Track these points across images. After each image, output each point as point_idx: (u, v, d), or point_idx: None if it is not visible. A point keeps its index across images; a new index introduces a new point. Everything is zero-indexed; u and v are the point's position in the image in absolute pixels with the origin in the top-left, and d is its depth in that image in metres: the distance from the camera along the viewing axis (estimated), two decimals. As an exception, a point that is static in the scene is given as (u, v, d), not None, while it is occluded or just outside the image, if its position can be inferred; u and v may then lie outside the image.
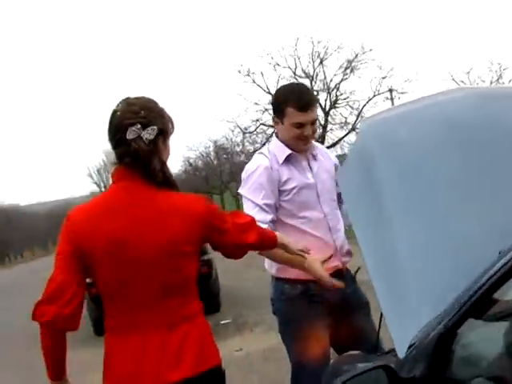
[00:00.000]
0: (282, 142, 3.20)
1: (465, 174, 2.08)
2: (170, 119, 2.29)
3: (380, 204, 2.02)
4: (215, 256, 10.09)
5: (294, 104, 3.10)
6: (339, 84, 27.98)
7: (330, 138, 28.92)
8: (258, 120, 28.96)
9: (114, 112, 2.20)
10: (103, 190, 61.27)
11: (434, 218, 2.00)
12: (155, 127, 2.16)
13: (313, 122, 3.15)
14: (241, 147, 34.46)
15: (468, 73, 29.03)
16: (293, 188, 3.12)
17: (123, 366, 2.18)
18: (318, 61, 27.81)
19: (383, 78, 26.84)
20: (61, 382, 2.28)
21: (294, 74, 28.05)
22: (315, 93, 27.70)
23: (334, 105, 28.20)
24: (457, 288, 1.78)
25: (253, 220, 2.48)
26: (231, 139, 35.72)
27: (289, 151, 3.16)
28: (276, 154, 3.17)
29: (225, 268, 11.44)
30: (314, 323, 3.11)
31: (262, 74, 28.01)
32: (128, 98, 2.24)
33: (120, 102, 2.22)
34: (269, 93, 28.14)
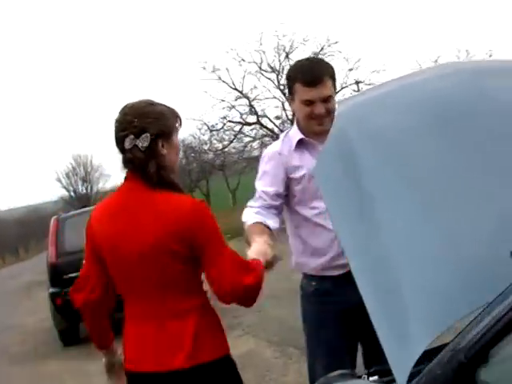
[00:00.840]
0: (298, 125, 2.98)
1: (457, 160, 1.83)
2: (174, 117, 2.44)
3: (364, 198, 1.76)
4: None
5: (301, 79, 2.86)
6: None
7: (299, 132, 28.71)
8: (225, 117, 28.68)
9: (114, 122, 2.39)
10: (72, 194, 60.49)
11: (429, 215, 1.75)
12: (148, 134, 2.31)
13: (325, 99, 2.84)
14: (208, 145, 34.07)
15: (436, 61, 29.08)
16: (303, 175, 2.89)
17: (130, 350, 2.44)
18: (284, 55, 27.58)
19: (350, 70, 26.73)
20: (107, 351, 2.64)
21: (260, 68, 27.83)
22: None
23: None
24: (466, 305, 1.51)
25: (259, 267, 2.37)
26: (198, 137, 35.31)
27: (300, 136, 2.94)
28: (291, 138, 2.97)
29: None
30: (324, 329, 2.93)
31: (227, 70, 27.72)
32: (125, 106, 2.41)
33: (119, 111, 2.40)
34: (235, 89, 27.90)
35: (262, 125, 28.83)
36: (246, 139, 30.29)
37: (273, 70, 27.92)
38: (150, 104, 2.41)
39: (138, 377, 2.41)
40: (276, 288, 9.18)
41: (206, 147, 35.19)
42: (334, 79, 2.88)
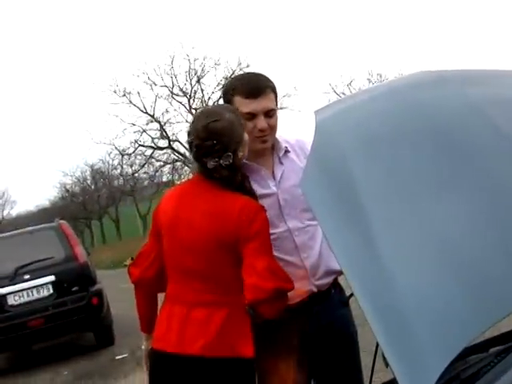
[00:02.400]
0: None
1: (447, 171, 1.74)
2: (239, 119, 2.41)
3: (360, 211, 1.63)
4: (103, 285, 9.54)
5: (241, 90, 2.57)
6: (217, 101, 27.81)
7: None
8: (136, 141, 28.28)
9: (190, 142, 2.42)
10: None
11: (433, 226, 1.63)
12: (230, 153, 2.34)
13: (268, 113, 2.55)
14: (119, 170, 33.51)
15: (349, 84, 29.95)
16: None
17: (159, 329, 2.49)
18: (196, 78, 27.65)
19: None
20: (149, 335, 2.60)
21: (172, 92, 27.75)
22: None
23: (213, 123, 28.03)
24: (476, 324, 1.41)
25: (292, 286, 2.37)
26: (108, 162, 34.70)
27: None
28: None
29: (114, 297, 10.71)
30: (278, 358, 2.63)
31: (138, 93, 27.48)
32: (197, 129, 2.38)
33: (193, 133, 2.40)
34: (146, 113, 27.65)
35: (173, 149, 28.72)
36: (158, 164, 29.99)
37: (184, 93, 27.96)
38: (217, 120, 2.38)
39: (160, 356, 2.47)
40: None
41: (116, 172, 34.63)
42: (276, 94, 2.63)
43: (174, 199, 2.53)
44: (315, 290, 2.62)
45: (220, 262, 2.38)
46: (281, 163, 2.64)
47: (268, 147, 2.61)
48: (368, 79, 29.97)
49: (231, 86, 2.69)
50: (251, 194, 2.42)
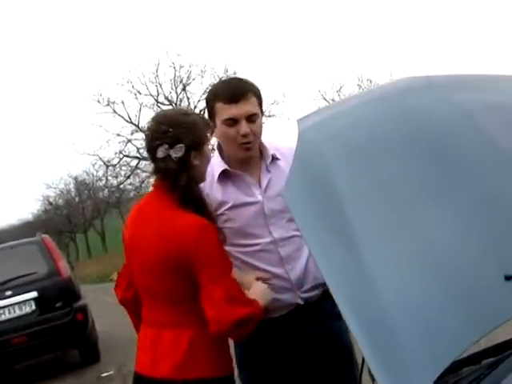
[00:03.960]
0: (220, 153, 2.63)
1: (435, 178, 1.76)
2: (206, 126, 2.41)
3: (345, 222, 1.63)
4: (88, 300, 9.48)
5: (222, 96, 2.53)
6: (204, 110, 27.71)
7: (198, 166, 28.71)
8: (121, 152, 28.21)
9: (147, 131, 2.44)
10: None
11: (421, 237, 1.63)
12: (183, 145, 2.29)
13: (250, 118, 2.50)
14: (104, 181, 33.39)
15: (339, 90, 30.03)
16: (227, 210, 2.56)
17: (138, 351, 2.48)
18: (181, 87, 27.61)
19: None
20: None
21: (157, 101, 27.70)
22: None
23: (200, 132, 28.00)
24: (465, 337, 1.41)
25: (254, 310, 2.29)
26: (92, 174, 34.58)
27: (223, 166, 2.58)
28: (213, 169, 2.59)
29: (98, 313, 10.65)
30: (262, 378, 2.64)
31: (122, 103, 27.42)
32: (158, 115, 2.46)
33: (152, 119, 2.45)
34: (131, 122, 27.59)
35: (159, 159, 28.57)
36: (144, 175, 29.88)
37: (170, 102, 27.89)
38: (184, 113, 2.45)
39: (138, 379, 2.47)
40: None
41: (101, 183, 34.50)
42: (259, 98, 2.58)
43: (133, 216, 2.50)
44: (302, 302, 2.60)
45: (177, 283, 2.33)
46: (268, 171, 2.60)
47: (252, 155, 2.58)
48: (358, 85, 30.12)
49: (213, 92, 2.66)
50: (207, 212, 2.36)
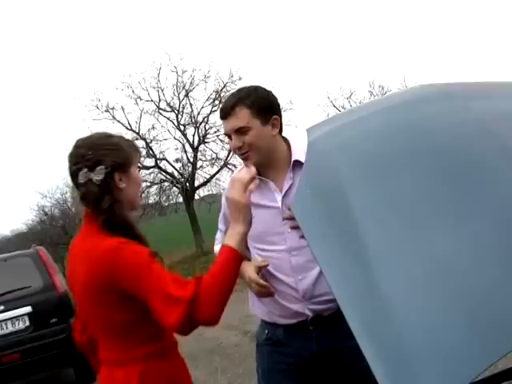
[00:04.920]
0: None
1: (450, 191, 1.75)
2: (132, 148, 2.42)
3: (356, 238, 1.62)
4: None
5: (219, 112, 2.75)
6: (208, 117, 27.85)
7: (201, 175, 28.72)
8: (120, 160, 28.19)
9: (67, 156, 2.37)
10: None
11: (435, 254, 1.63)
12: (103, 166, 2.29)
13: (239, 131, 2.64)
14: (102, 191, 33.41)
15: (349, 97, 30.00)
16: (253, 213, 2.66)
17: None
18: (184, 92, 27.63)
19: (255, 108, 27.03)
20: None
21: (158, 107, 27.72)
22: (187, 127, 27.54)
23: (203, 140, 28.03)
24: (480, 358, 1.40)
25: (186, 297, 2.13)
26: (91, 183, 34.58)
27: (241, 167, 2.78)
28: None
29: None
30: (276, 381, 2.80)
31: (122, 108, 27.41)
32: (78, 139, 2.39)
33: (73, 145, 2.39)
34: (131, 129, 27.60)
35: (160, 168, 28.59)
36: (144, 184, 29.89)
37: (172, 108, 27.89)
38: (106, 136, 2.41)
39: None
40: (190, 347, 8.94)
41: (99, 193, 34.52)
42: (255, 108, 2.66)
43: (70, 251, 2.45)
44: (310, 314, 2.73)
45: (111, 312, 2.27)
46: (290, 177, 2.73)
47: (252, 163, 2.64)
48: (369, 91, 30.05)
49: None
50: (135, 234, 2.31)
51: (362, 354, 2.69)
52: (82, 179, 2.31)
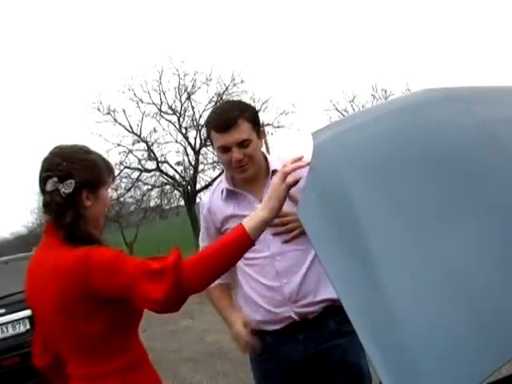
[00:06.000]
0: (226, 172, 2.96)
1: (462, 193, 1.74)
2: (107, 169, 2.42)
3: (362, 242, 1.63)
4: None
5: (213, 125, 2.78)
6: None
7: (203, 179, 28.71)
8: (121, 163, 28.17)
9: (41, 161, 2.35)
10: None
11: (441, 258, 1.63)
12: (73, 181, 2.27)
13: (241, 144, 2.73)
14: (103, 194, 33.37)
15: (352, 101, 30.01)
16: (230, 223, 2.83)
17: None
18: (186, 95, 27.64)
19: (257, 111, 26.99)
20: None
21: (160, 110, 27.72)
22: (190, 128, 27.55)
23: (205, 143, 28.02)
24: (487, 362, 1.41)
25: (168, 265, 2.08)
26: (91, 186, 34.56)
27: (225, 185, 2.91)
28: (221, 187, 2.97)
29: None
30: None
31: (124, 111, 27.41)
32: (56, 147, 2.38)
33: (50, 151, 2.36)
34: (132, 132, 27.61)
35: (162, 171, 28.59)
36: (145, 187, 29.91)
37: (173, 111, 27.89)
38: (85, 151, 2.40)
39: None
40: (191, 351, 8.95)
41: (99, 196, 34.49)
42: (253, 121, 2.78)
43: (27, 275, 2.39)
44: (296, 317, 2.81)
45: (85, 327, 2.21)
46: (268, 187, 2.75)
47: (250, 175, 2.80)
48: (372, 95, 30.00)
49: (208, 118, 2.90)
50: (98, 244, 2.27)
51: (349, 351, 2.77)
52: (49, 187, 2.29)
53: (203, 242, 3.03)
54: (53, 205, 2.28)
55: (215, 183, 3.12)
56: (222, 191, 2.95)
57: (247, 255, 2.77)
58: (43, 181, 2.32)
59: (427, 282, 1.61)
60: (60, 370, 2.44)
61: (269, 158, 2.91)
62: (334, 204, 1.73)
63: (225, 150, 2.74)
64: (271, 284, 2.81)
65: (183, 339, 10.03)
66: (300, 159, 2.14)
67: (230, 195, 2.91)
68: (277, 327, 2.86)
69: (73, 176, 2.29)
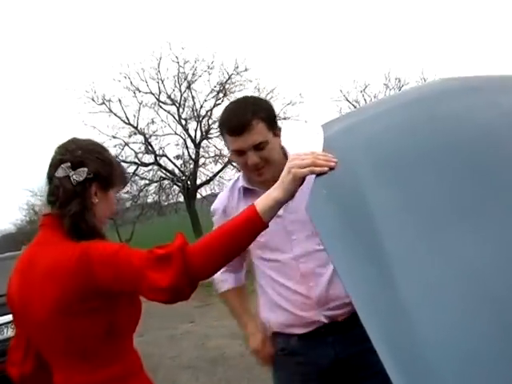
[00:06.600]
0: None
1: (486, 191, 1.74)
2: (120, 174, 2.46)
3: (376, 241, 1.64)
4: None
5: (226, 127, 2.73)
6: (211, 110, 27.90)
7: (204, 173, 28.76)
8: (117, 156, 28.22)
9: (57, 147, 2.37)
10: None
11: (462, 262, 1.62)
12: (86, 169, 2.29)
13: (257, 146, 2.69)
14: (97, 189, 33.44)
15: (363, 90, 30.03)
16: None
17: None
18: (186, 84, 27.66)
19: (262, 101, 26.91)
20: None
21: (158, 100, 27.77)
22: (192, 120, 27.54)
23: (206, 135, 28.09)
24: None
25: (174, 249, 2.07)
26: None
27: (242, 183, 2.93)
28: (238, 186, 2.97)
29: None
30: None
31: (119, 101, 27.48)
32: (74, 138, 2.41)
33: (66, 140, 2.40)
34: (129, 123, 27.65)
35: (160, 166, 28.67)
36: (142, 182, 29.96)
37: (173, 101, 27.95)
38: (102, 147, 2.46)
39: None
40: (191, 357, 8.96)
41: (93, 192, 34.57)
42: (269, 120, 2.74)
43: (15, 275, 2.38)
44: (326, 320, 2.81)
45: (83, 328, 2.21)
46: None
47: (268, 178, 2.73)
48: (385, 84, 30.04)
49: (221, 120, 2.87)
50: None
51: (373, 358, 2.76)
52: (60, 172, 2.30)
53: None
54: (60, 191, 2.28)
55: (229, 182, 3.12)
56: (239, 190, 2.95)
57: (269, 256, 2.85)
58: (54, 165, 2.32)
59: (444, 282, 1.61)
60: (43, 379, 2.42)
61: (289, 154, 2.86)
62: (345, 200, 1.73)
63: (240, 153, 2.72)
64: (297, 288, 2.81)
65: (182, 344, 10.03)
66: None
67: (248, 193, 2.91)
68: (304, 331, 2.88)
69: (86, 165, 2.31)
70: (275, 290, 2.89)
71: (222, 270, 3.02)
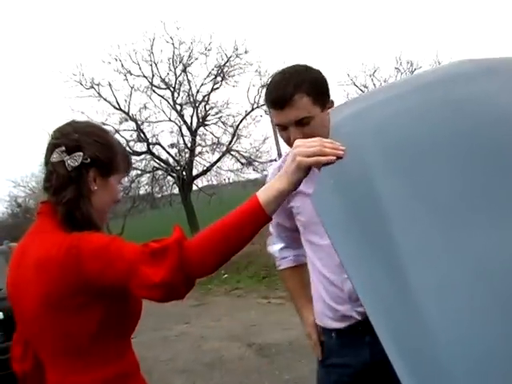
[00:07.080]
0: None
1: (503, 181, 1.74)
2: (123, 157, 2.41)
3: (384, 235, 1.64)
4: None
5: (269, 99, 2.73)
6: (208, 95, 27.92)
7: (200, 163, 28.78)
8: (106, 144, 28.24)
9: (53, 130, 2.38)
10: None
11: (477, 258, 1.63)
12: (81, 154, 2.27)
13: (300, 121, 2.64)
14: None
15: (372, 75, 30.04)
16: (292, 199, 2.92)
17: None
18: (181, 67, 27.64)
19: (263, 86, 26.98)
20: None
21: (151, 84, 27.76)
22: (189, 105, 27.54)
23: (202, 122, 28.11)
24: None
25: (170, 243, 2.06)
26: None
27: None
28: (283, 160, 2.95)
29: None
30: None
31: (110, 85, 27.48)
32: (72, 120, 2.43)
33: (64, 123, 2.40)
34: (119, 109, 27.65)
35: (153, 155, 28.68)
36: (134, 173, 29.97)
37: (167, 85, 27.94)
38: (102, 129, 2.46)
39: None
40: (187, 360, 8.98)
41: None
42: (315, 93, 2.67)
43: (11, 267, 2.38)
44: (359, 317, 2.86)
45: (74, 325, 2.21)
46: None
47: None
48: (396, 68, 30.08)
49: (266, 90, 2.84)
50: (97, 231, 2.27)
51: None
52: (55, 157, 2.29)
53: (278, 218, 3.03)
54: (54, 177, 2.27)
55: (278, 160, 3.15)
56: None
57: (313, 239, 2.91)
58: (50, 150, 2.31)
59: (458, 280, 1.61)
60: (42, 377, 2.41)
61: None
62: (353, 191, 1.73)
63: (282, 128, 2.70)
64: (333, 278, 2.87)
65: (177, 347, 10.05)
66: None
67: None
68: (340, 326, 2.94)
69: (82, 149, 2.29)
70: (317, 276, 2.97)
71: (281, 246, 3.20)
